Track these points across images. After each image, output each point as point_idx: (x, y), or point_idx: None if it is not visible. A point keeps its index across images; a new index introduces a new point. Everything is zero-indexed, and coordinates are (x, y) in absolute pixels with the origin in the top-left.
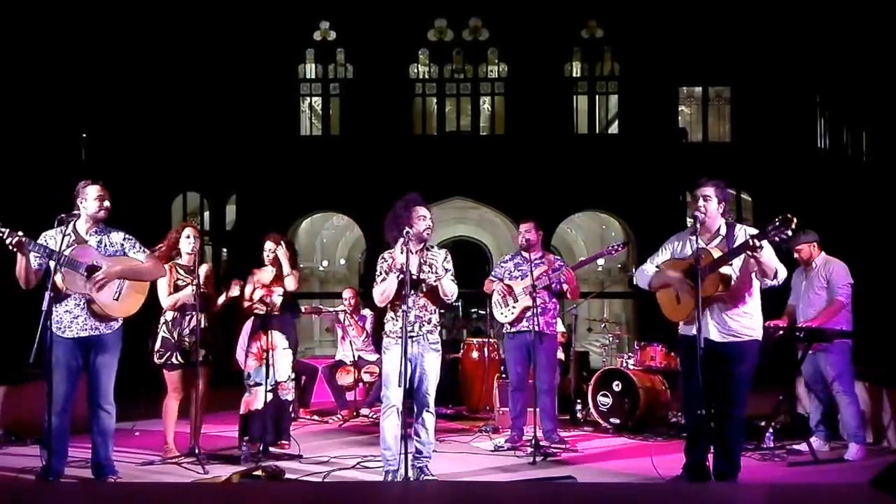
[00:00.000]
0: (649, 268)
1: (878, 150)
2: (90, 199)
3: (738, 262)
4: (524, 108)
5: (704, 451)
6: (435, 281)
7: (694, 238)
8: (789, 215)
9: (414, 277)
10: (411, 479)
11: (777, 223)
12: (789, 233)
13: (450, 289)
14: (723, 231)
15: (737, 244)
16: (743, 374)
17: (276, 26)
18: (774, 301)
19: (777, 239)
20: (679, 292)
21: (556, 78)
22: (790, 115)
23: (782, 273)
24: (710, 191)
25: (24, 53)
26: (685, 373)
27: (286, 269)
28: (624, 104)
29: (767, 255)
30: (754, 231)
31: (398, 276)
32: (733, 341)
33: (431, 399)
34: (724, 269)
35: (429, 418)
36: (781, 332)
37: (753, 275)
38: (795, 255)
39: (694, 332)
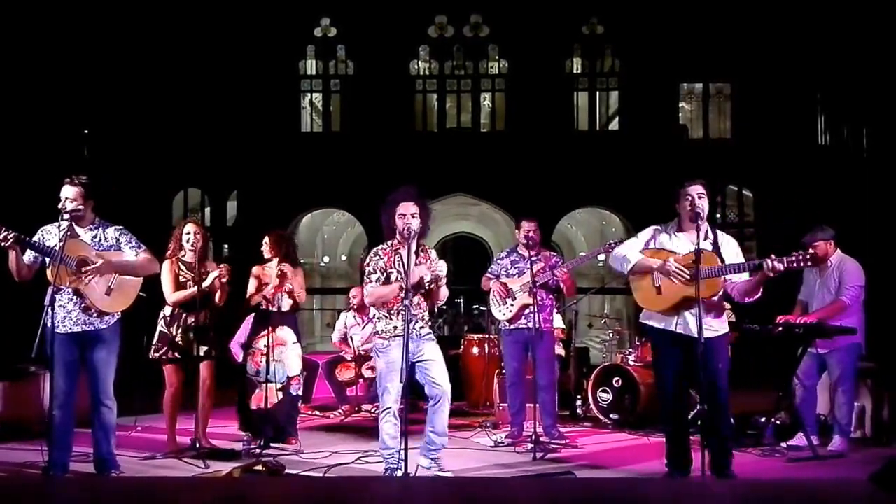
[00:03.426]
0: (631, 253)
1: (878, 146)
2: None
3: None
4: (525, 104)
5: (688, 444)
6: (430, 284)
7: (684, 234)
8: (814, 255)
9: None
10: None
11: (800, 258)
12: (805, 266)
13: (445, 294)
14: (710, 234)
15: (723, 250)
16: (725, 367)
17: (277, 23)
18: (785, 296)
19: (793, 268)
20: (663, 282)
21: (557, 74)
22: (791, 112)
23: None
24: (702, 189)
25: (25, 49)
26: (662, 369)
27: (296, 287)
28: (624, 101)
29: None
30: (731, 240)
31: (399, 280)
32: (713, 336)
33: (446, 383)
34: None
35: (446, 404)
36: (781, 328)
37: (736, 291)
38: (811, 251)
39: (672, 327)
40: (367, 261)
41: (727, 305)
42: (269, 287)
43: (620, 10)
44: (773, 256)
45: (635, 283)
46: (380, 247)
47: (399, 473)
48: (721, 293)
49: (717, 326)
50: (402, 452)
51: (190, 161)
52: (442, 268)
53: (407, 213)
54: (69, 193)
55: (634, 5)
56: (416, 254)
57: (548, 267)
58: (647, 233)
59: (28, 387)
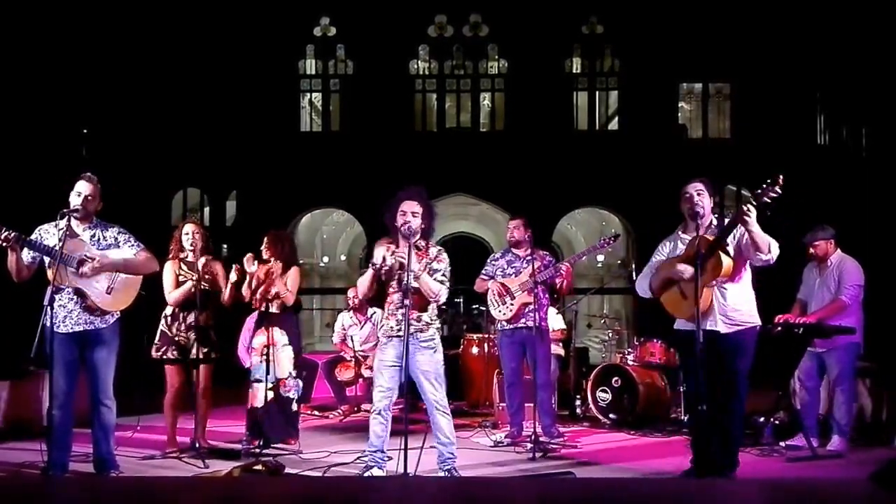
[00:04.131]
0: (646, 275)
1: (877, 146)
2: (73, 192)
3: (731, 246)
4: (524, 104)
5: (710, 445)
6: (413, 280)
7: (686, 235)
8: (777, 176)
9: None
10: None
11: (764, 186)
12: (778, 190)
13: (432, 288)
14: (714, 224)
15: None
16: (744, 366)
17: (277, 22)
18: (784, 295)
19: (767, 199)
20: (682, 286)
21: (556, 74)
22: (790, 112)
23: (775, 248)
24: (701, 186)
25: (25, 49)
26: (688, 368)
27: (281, 288)
28: (624, 100)
29: (758, 228)
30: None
31: (375, 270)
32: (738, 330)
33: (438, 397)
34: (722, 253)
35: (441, 419)
36: (780, 328)
37: (749, 253)
38: (811, 251)
39: (704, 325)
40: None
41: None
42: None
43: (620, 9)
44: (743, 204)
45: (663, 298)
46: (378, 244)
47: (377, 473)
48: (738, 277)
49: (740, 320)
50: (401, 451)
51: (189, 161)
52: (413, 263)
53: (408, 212)
54: (87, 189)
55: (634, 5)
56: (411, 249)
57: (542, 266)
58: (657, 250)
59: (28, 386)
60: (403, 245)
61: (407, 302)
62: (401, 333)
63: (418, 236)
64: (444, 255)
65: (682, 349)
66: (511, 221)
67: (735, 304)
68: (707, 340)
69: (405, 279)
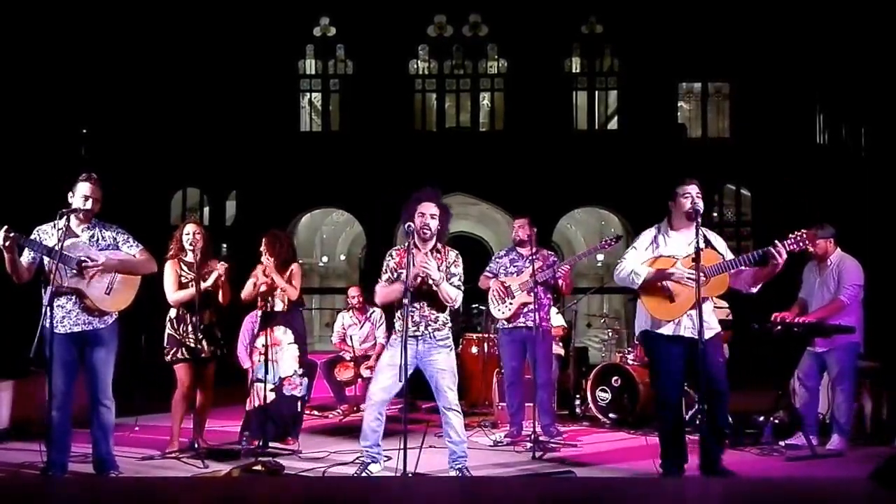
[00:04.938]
0: (638, 266)
1: (876, 145)
2: (77, 194)
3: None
4: (524, 103)
5: (685, 453)
6: (433, 285)
7: (677, 233)
8: (807, 234)
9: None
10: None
11: (797, 236)
12: (807, 245)
13: (451, 294)
14: (699, 232)
15: (714, 245)
16: (722, 359)
17: (276, 22)
18: (784, 295)
19: (796, 249)
20: (675, 288)
21: (556, 74)
22: (789, 111)
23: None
24: (697, 189)
25: (24, 49)
26: (669, 372)
27: (280, 283)
28: (623, 100)
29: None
30: (717, 235)
31: (404, 281)
32: (713, 335)
33: (452, 396)
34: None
35: (454, 417)
36: (780, 327)
37: (744, 282)
38: (811, 250)
39: (681, 332)
40: (384, 264)
41: (724, 304)
42: (249, 284)
43: (619, 9)
44: (776, 242)
45: (646, 295)
46: (394, 247)
47: (374, 468)
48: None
49: (714, 324)
50: (400, 451)
51: (189, 160)
52: (433, 266)
53: (426, 213)
54: (90, 191)
55: (633, 5)
56: (431, 253)
57: (545, 266)
58: (643, 240)
59: (31, 387)
60: (422, 247)
61: (405, 301)
62: (417, 334)
63: (435, 239)
64: (460, 260)
65: (664, 352)
66: (516, 220)
67: (712, 312)
68: (687, 345)
69: (408, 281)
